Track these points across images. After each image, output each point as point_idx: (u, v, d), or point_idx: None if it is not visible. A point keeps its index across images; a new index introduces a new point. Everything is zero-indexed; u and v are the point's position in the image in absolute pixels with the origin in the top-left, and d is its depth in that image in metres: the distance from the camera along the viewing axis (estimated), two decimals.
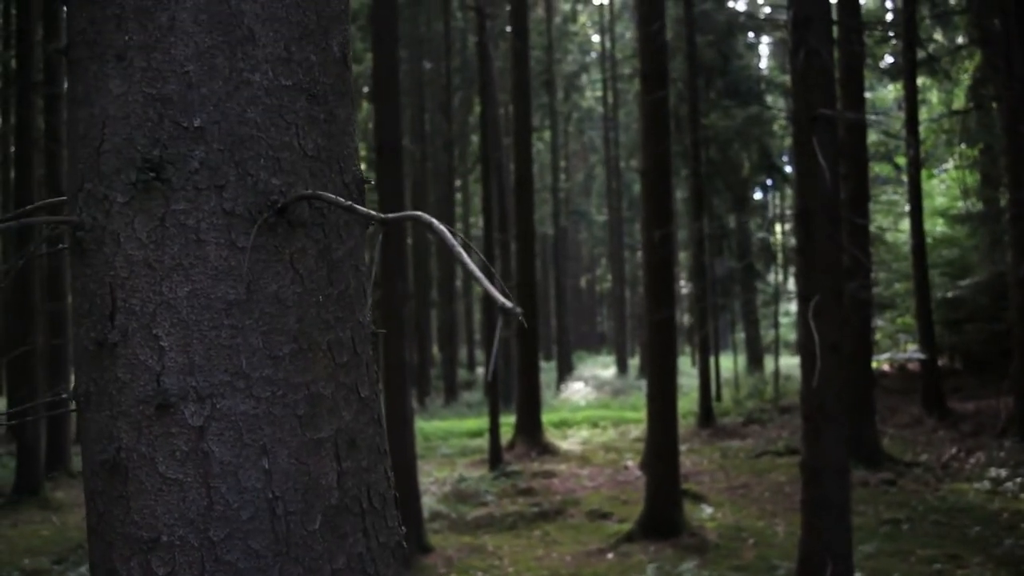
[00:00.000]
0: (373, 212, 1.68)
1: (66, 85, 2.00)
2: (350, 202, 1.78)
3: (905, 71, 17.49)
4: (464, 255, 1.41)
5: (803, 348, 7.87)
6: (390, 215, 1.62)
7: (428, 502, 13.17)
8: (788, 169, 32.70)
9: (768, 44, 29.12)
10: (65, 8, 2.02)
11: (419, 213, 1.56)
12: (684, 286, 30.96)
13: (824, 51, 7.74)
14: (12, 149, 19.72)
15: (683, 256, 30.38)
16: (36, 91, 15.40)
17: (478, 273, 1.37)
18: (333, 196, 1.80)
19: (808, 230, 7.79)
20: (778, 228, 28.41)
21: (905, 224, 19.97)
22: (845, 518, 7.70)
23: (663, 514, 11.26)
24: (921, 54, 17.59)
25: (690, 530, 11.21)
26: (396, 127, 11.39)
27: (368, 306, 2.08)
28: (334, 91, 2.02)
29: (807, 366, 7.75)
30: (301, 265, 1.90)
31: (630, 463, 15.79)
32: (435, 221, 1.55)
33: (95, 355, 1.88)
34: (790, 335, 29.78)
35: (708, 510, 12.20)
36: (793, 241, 21.06)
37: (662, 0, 12.02)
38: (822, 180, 7.52)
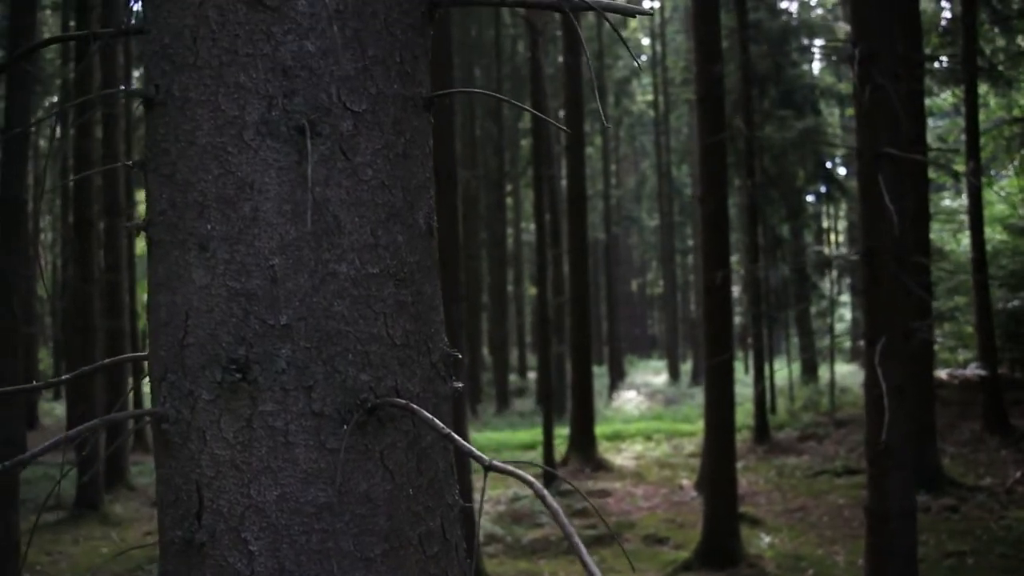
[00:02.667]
0: (476, 451, 1.61)
1: (146, 261, 1.96)
2: (449, 430, 1.72)
3: (965, 81, 17.13)
4: (576, 540, 1.34)
5: (868, 391, 7.71)
6: (496, 463, 1.56)
7: (483, 523, 13.14)
8: (843, 171, 32.27)
9: (819, 48, 28.67)
10: (144, 178, 1.98)
11: (531, 479, 1.50)
12: (737, 292, 30.67)
13: (890, 87, 7.57)
14: (71, 162, 20.00)
15: (735, 260, 30.14)
16: (94, 106, 15.57)
17: (592, 566, 1.30)
18: (429, 416, 1.74)
19: (873, 271, 7.63)
20: (832, 238, 28.12)
21: (963, 234, 19.61)
22: (912, 565, 7.54)
23: (720, 544, 11.12)
24: (981, 62, 17.21)
25: (748, 560, 11.07)
26: (451, 152, 11.37)
27: (456, 485, 2.02)
28: (420, 267, 1.96)
29: (872, 410, 7.59)
30: (391, 461, 1.84)
31: (685, 482, 15.65)
32: (546, 493, 1.48)
33: (182, 551, 1.84)
34: (845, 342, 29.42)
35: (766, 539, 12.04)
36: (846, 251, 20.78)
37: (719, 42, 11.88)
38: (888, 222, 7.36)
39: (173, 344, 1.85)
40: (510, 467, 1.53)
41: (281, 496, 1.77)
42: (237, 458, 1.78)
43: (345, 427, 1.79)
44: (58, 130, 23.92)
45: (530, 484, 1.49)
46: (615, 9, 2.07)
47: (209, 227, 1.82)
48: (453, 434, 1.70)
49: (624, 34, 34.21)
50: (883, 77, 7.59)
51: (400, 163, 1.92)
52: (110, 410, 16.96)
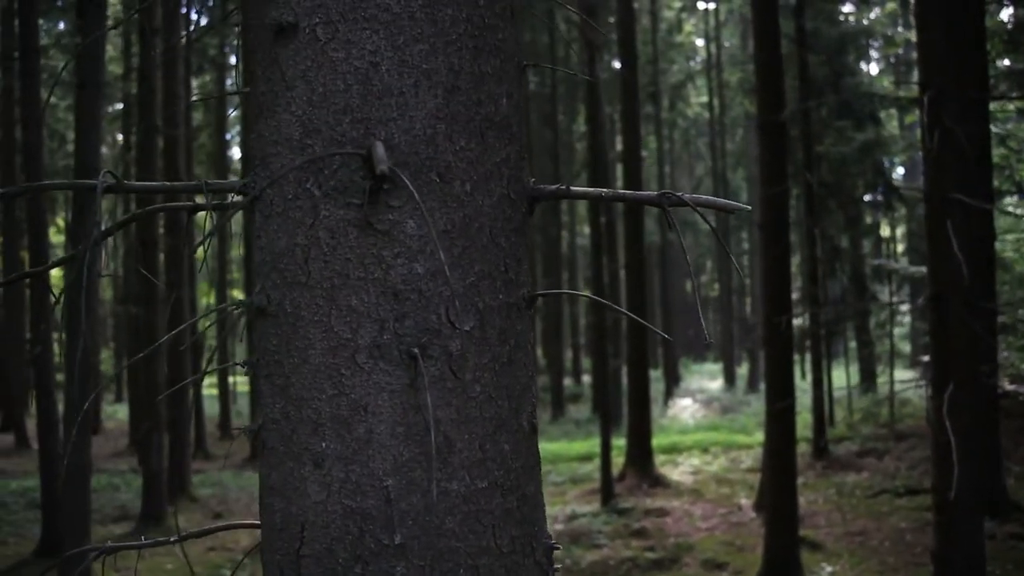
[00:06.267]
0: None
1: (261, 460, 2.03)
2: None
3: None
4: None
5: (935, 437, 7.66)
6: None
7: None
8: (900, 171, 31.70)
9: (877, 50, 28.31)
10: (255, 379, 2.04)
11: None
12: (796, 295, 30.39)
13: (959, 131, 7.50)
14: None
15: (795, 263, 29.88)
16: (156, 131, 15.90)
17: None
18: None
19: (941, 315, 7.58)
20: (891, 247, 27.83)
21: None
22: None
23: (781, 574, 11.09)
24: None
25: None
26: None
27: None
28: (525, 469, 2.01)
29: (939, 456, 7.55)
30: None
31: (744, 501, 15.59)
32: None
33: None
34: (904, 346, 29.10)
35: (828, 568, 11.95)
36: (907, 265, 20.54)
37: (783, 89, 11.82)
38: (956, 267, 7.29)
39: (289, 552, 1.92)
40: None
41: None
42: None
43: None
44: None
45: None
46: (712, 205, 2.11)
47: (324, 445, 1.88)
48: None
49: (678, 39, 34.06)
50: (952, 120, 7.52)
51: (506, 371, 1.97)
52: (172, 423, 17.18)
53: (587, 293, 1.84)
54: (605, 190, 2.15)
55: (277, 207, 1.95)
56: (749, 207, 2.09)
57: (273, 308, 1.95)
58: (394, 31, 1.91)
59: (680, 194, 2.08)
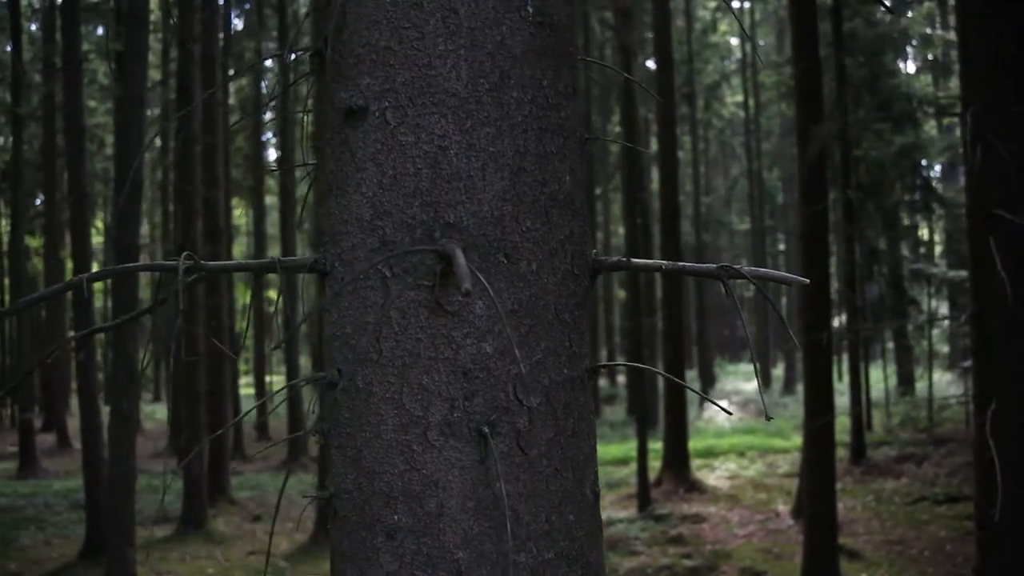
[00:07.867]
0: None
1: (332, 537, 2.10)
2: None
3: None
4: None
5: (977, 454, 7.63)
6: None
7: None
8: (937, 168, 31.32)
9: (915, 47, 28.04)
10: (327, 446, 2.11)
11: None
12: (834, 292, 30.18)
13: (1002, 147, 7.45)
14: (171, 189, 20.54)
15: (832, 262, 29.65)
16: (196, 141, 16.06)
17: None
18: None
19: (983, 333, 7.54)
20: (929, 249, 27.64)
21: None
22: None
23: None
24: None
25: None
26: None
27: None
28: (588, 536, 2.06)
29: (981, 473, 7.52)
30: None
31: (782, 508, 15.56)
32: None
33: None
34: (943, 348, 28.87)
35: None
36: (945, 269, 20.38)
37: (822, 102, 11.79)
38: (1000, 286, 7.25)
39: None
40: None
41: None
42: None
43: None
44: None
45: None
46: (769, 278, 2.15)
47: (396, 518, 1.94)
48: None
49: (713, 40, 33.96)
50: (995, 136, 7.47)
51: (571, 443, 2.03)
52: (214, 431, 17.38)
53: (632, 363, 1.88)
54: (665, 263, 2.20)
55: (348, 285, 2.01)
56: (807, 280, 2.14)
57: (345, 383, 2.02)
58: (462, 115, 1.97)
59: (738, 267, 2.13)
